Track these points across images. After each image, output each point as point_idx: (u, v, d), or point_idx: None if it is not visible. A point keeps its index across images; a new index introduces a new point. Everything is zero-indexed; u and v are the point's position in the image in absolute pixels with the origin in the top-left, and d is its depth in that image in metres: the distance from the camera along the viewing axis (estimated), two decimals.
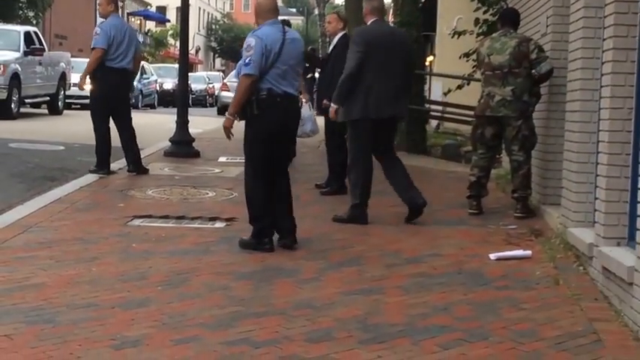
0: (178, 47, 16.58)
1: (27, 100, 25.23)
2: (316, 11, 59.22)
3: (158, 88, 42.48)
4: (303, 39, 8.58)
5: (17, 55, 24.27)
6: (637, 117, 6.45)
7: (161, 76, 44.16)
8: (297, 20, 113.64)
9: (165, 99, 42.28)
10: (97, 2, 12.91)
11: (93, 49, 12.34)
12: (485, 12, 17.50)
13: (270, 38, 8.05)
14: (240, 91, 8.01)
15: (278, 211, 8.20)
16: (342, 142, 11.49)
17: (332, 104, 9.58)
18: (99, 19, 12.56)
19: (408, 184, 9.62)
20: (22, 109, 24.45)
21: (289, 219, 8.24)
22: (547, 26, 10.10)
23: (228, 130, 8.10)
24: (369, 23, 9.69)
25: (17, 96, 23.83)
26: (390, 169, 9.67)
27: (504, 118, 9.78)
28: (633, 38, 6.75)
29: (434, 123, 23.36)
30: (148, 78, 41.02)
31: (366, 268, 7.59)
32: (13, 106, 23.69)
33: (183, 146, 15.17)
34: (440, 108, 21.60)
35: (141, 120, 15.74)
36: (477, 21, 17.28)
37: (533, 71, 9.75)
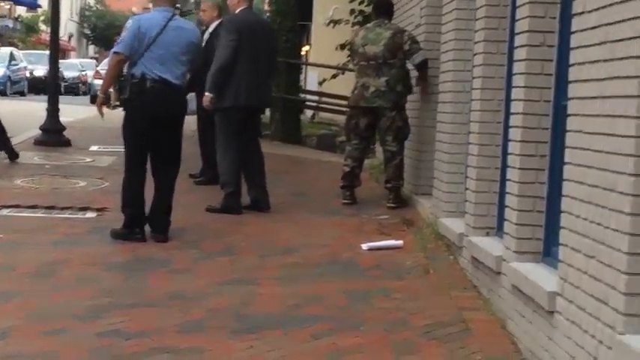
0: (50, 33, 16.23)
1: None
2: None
3: (28, 75, 41.54)
4: (197, 30, 8.54)
5: None
6: (507, 109, 6.56)
7: (32, 62, 43.17)
8: None
9: (36, 86, 41.36)
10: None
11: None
12: (360, 3, 17.60)
13: (147, 22, 8.04)
14: (109, 68, 8.13)
15: (153, 203, 8.10)
16: (214, 132, 11.45)
17: (207, 93, 9.51)
18: None
19: (259, 181, 9.64)
20: None
21: (164, 214, 8.12)
22: (421, 17, 10.21)
23: (99, 108, 8.06)
24: (238, 11, 9.68)
25: None
26: (250, 159, 9.65)
27: (378, 109, 9.85)
28: (504, 30, 6.85)
29: (309, 113, 23.41)
30: (17, 64, 40.11)
31: (240, 259, 7.57)
32: None
33: (53, 135, 14.87)
34: (315, 98, 21.66)
35: (9, 107, 15.41)
36: (352, 11, 17.38)
37: (407, 62, 9.86)
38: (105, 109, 8.07)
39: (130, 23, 8.11)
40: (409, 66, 9.95)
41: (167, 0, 8.22)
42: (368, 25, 10.42)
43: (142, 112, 7.92)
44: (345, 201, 10.08)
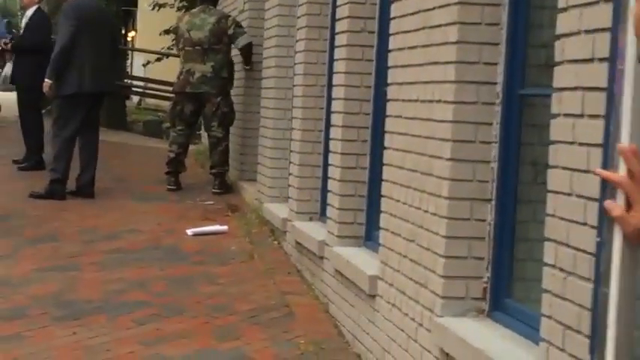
0: None
1: None
2: None
3: None
4: None
5: None
6: (329, 94, 6.62)
7: None
8: None
9: None
10: None
11: None
12: None
13: None
14: None
15: None
16: (37, 117, 11.24)
17: (46, 79, 9.32)
18: None
19: (91, 168, 9.51)
20: None
21: None
22: (244, 3, 10.21)
23: None
24: None
25: None
26: (85, 145, 9.50)
27: (204, 95, 9.81)
28: (326, 17, 6.92)
29: (136, 99, 23.16)
30: None
31: (62, 245, 7.45)
32: None
33: None
34: (142, 84, 21.44)
35: None
36: None
37: (232, 45, 9.88)
38: None
39: None
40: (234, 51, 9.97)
41: None
42: (193, 10, 10.37)
43: None
44: (170, 187, 10.02)
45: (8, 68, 12.33)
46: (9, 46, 11.62)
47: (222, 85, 9.82)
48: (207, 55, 9.77)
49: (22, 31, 11.57)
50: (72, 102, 9.34)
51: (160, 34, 17.60)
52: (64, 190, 9.32)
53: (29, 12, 11.36)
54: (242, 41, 9.78)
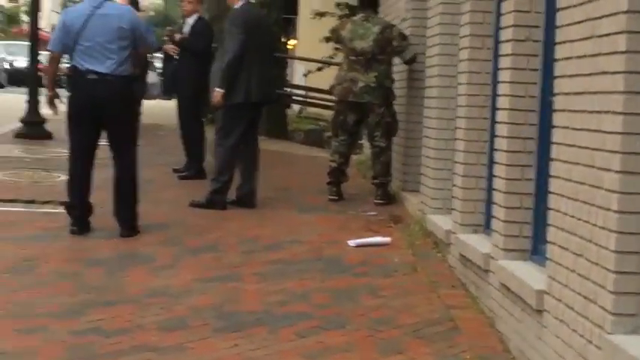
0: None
1: None
2: None
3: (8, 67, 41.20)
4: (135, 15, 8.21)
5: None
6: (493, 104, 6.48)
7: (13, 54, 42.87)
8: (157, 0, 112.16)
9: (16, 78, 41.05)
10: None
11: None
12: None
13: (71, 14, 7.95)
14: (47, 66, 8.10)
15: (114, 198, 7.99)
16: (198, 126, 11.37)
17: (217, 88, 9.26)
18: None
19: (253, 178, 9.52)
20: None
21: (125, 207, 7.95)
22: (406, 11, 10.12)
23: (49, 105, 8.08)
24: (238, 6, 9.48)
25: None
26: (246, 154, 9.52)
27: (367, 105, 9.73)
28: (489, 25, 6.77)
29: (297, 108, 23.33)
30: None
31: (223, 255, 7.47)
32: None
33: (34, 127, 14.73)
34: (302, 92, 21.56)
35: None
36: (338, 4, 17.35)
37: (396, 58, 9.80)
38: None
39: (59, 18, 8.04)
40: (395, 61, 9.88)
41: None
42: (354, 18, 10.25)
43: (75, 104, 7.84)
44: (332, 197, 9.98)
45: (152, 77, 12.52)
46: (173, 42, 11.68)
47: (386, 95, 9.73)
48: (370, 65, 9.68)
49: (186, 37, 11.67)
50: (237, 111, 9.33)
51: (320, 41, 17.66)
52: (225, 199, 9.36)
53: (191, 20, 11.50)
54: (408, 54, 9.68)
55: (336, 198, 9.97)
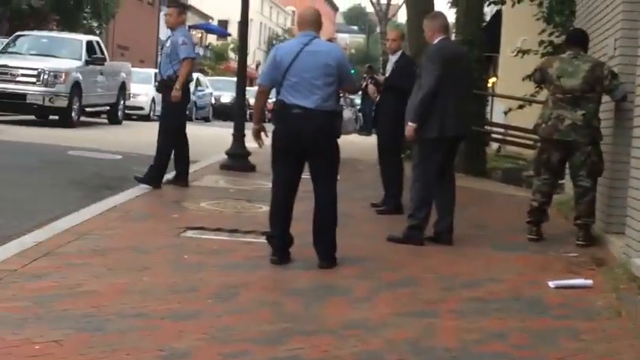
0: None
1: (87, 109, 25.44)
2: (378, 29, 59.18)
3: (214, 101, 42.49)
4: (341, 53, 8.31)
5: (79, 63, 24.48)
6: None
7: (219, 89, 44.19)
8: (358, 38, 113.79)
9: (221, 112, 42.29)
10: (167, 13, 12.72)
11: (185, 59, 12.21)
12: (550, 34, 17.34)
13: (283, 50, 8.06)
14: (254, 99, 8.26)
15: (314, 229, 8.08)
16: (397, 162, 11.40)
17: (410, 123, 9.29)
18: (165, 31, 12.47)
19: (449, 214, 9.45)
20: (82, 118, 24.62)
21: (325, 239, 8.03)
22: (615, 49, 9.89)
23: (255, 138, 8.21)
24: (437, 41, 9.46)
25: (78, 104, 24.02)
26: (443, 190, 9.47)
27: (573, 143, 9.54)
28: None
29: (494, 145, 23.12)
30: (203, 90, 41.06)
31: (420, 290, 7.43)
32: (73, 114, 23.88)
33: (239, 159, 15.12)
34: (501, 130, 21.36)
35: (194, 132, 15.67)
36: (541, 42, 17.14)
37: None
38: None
39: (269, 53, 8.19)
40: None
41: (307, 24, 8.14)
42: (562, 55, 10.04)
43: (279, 137, 7.97)
44: (531, 237, 9.80)
45: (348, 113, 12.62)
46: (371, 82, 11.85)
47: (593, 134, 9.52)
48: (578, 103, 9.50)
49: (388, 74, 11.75)
50: (432, 146, 9.31)
51: (523, 79, 17.47)
52: (422, 236, 9.33)
53: (394, 57, 11.59)
54: (619, 94, 9.46)
55: (536, 238, 9.80)
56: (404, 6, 25.60)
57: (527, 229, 9.87)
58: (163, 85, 12.30)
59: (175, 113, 12.34)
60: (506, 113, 19.30)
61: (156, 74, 41.01)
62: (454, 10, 20.85)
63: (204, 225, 9.53)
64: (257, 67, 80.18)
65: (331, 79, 7.94)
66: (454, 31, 20.02)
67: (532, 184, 10.39)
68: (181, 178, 12.59)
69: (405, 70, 11.24)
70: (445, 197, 9.48)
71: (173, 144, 12.34)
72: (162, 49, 12.46)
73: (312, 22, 8.14)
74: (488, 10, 23.62)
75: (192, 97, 38.44)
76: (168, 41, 12.35)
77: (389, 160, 11.53)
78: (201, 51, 71.23)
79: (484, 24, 19.61)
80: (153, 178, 12.11)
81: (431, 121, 9.21)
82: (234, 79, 16.62)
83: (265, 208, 10.35)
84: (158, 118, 13.14)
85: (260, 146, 8.29)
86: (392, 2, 64.27)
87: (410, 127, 9.27)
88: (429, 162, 9.34)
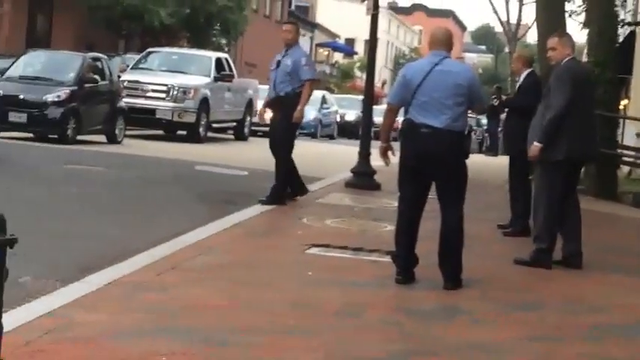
0: (364, 80, 16.69)
1: (214, 125, 25.85)
2: (506, 49, 58.80)
3: (339, 119, 42.69)
4: (472, 73, 8.22)
5: (207, 80, 24.89)
6: None
7: (344, 107, 44.40)
8: (486, 58, 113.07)
9: (346, 130, 42.47)
10: (285, 29, 12.81)
11: (307, 80, 12.32)
12: None
13: (412, 69, 8.06)
14: (383, 118, 8.24)
15: (440, 249, 8.03)
16: (526, 184, 11.27)
17: (536, 143, 9.10)
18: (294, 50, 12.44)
19: (576, 237, 9.25)
20: (209, 134, 25.02)
21: (451, 260, 7.97)
22: None
23: (382, 156, 8.21)
24: (565, 61, 9.31)
25: (205, 120, 24.44)
26: (568, 213, 9.28)
27: None
28: None
29: (625, 169, 22.67)
30: (329, 108, 41.28)
31: (545, 314, 7.32)
32: (201, 130, 24.29)
33: (364, 178, 15.16)
34: (632, 153, 20.93)
35: (323, 149, 15.85)
36: None
37: None
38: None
39: (399, 72, 8.20)
40: None
41: (437, 44, 8.09)
42: None
43: (407, 156, 7.94)
44: None
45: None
46: (497, 102, 11.80)
47: None
48: None
49: (515, 95, 11.67)
50: (557, 168, 9.11)
51: None
52: (550, 259, 9.17)
53: (522, 76, 11.50)
54: None
55: None
56: (533, 26, 25.21)
57: None
58: (278, 102, 12.30)
59: (291, 132, 12.45)
60: (638, 135, 18.89)
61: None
62: (586, 31, 20.53)
63: (329, 242, 9.56)
64: (382, 85, 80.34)
65: (461, 99, 7.89)
66: (586, 51, 19.72)
67: None
68: (298, 192, 12.67)
69: (529, 89, 11.10)
70: (571, 220, 9.30)
71: (290, 161, 12.44)
72: (277, 65, 12.32)
73: (444, 42, 8.12)
74: (622, 32, 23.17)
75: (318, 115, 38.80)
76: (288, 59, 12.33)
77: (517, 181, 11.40)
78: (327, 69, 71.80)
79: (617, 44, 19.22)
80: (276, 197, 12.22)
81: (558, 142, 9.01)
82: (360, 97, 16.74)
83: (390, 227, 10.34)
84: (267, 136, 13.12)
85: (387, 165, 8.28)
86: (522, 22, 63.70)
87: (535, 147, 9.09)
88: (554, 184, 9.17)
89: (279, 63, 12.33)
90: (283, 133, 12.40)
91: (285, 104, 12.23)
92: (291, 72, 12.23)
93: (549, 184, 9.20)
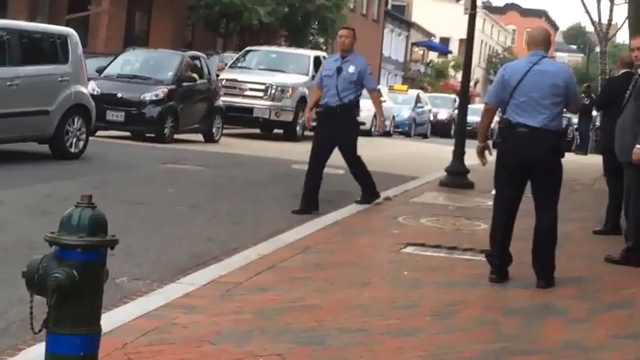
0: (458, 79, 16.79)
1: (311, 124, 26.02)
2: (597, 49, 57.99)
3: (432, 118, 42.59)
4: (569, 73, 8.26)
5: (306, 79, 25.01)
6: None
7: (437, 105, 44.31)
8: (576, 57, 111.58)
9: (439, 129, 42.36)
10: (342, 34, 12.71)
11: (374, 90, 12.56)
12: None
13: (510, 69, 8.10)
14: (480, 118, 8.37)
15: (533, 248, 8.10)
16: (619, 183, 11.21)
17: (638, 145, 9.02)
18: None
19: None
20: (305, 132, 25.24)
21: (544, 259, 8.04)
22: None
23: (478, 156, 8.27)
24: None
25: (303, 119, 24.64)
26: None
27: None
28: None
29: None
30: (422, 107, 41.17)
31: (639, 312, 7.35)
32: (298, 128, 24.47)
33: (458, 177, 15.25)
34: None
35: (417, 148, 15.95)
36: None
37: None
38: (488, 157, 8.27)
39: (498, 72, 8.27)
40: None
41: (536, 44, 8.13)
42: None
43: (505, 156, 8.02)
44: None
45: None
46: (588, 101, 11.85)
47: None
48: None
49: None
50: None
51: None
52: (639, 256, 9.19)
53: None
54: None
55: None
56: (624, 27, 24.90)
57: None
58: (344, 109, 12.01)
59: (356, 138, 12.35)
60: None
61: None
62: None
63: (424, 241, 9.69)
64: (475, 84, 79.85)
65: (559, 99, 7.96)
66: None
67: None
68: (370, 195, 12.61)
69: (620, 89, 11.03)
70: None
71: (362, 161, 12.40)
72: (338, 72, 12.01)
73: (542, 42, 8.17)
74: None
75: (412, 114, 38.82)
76: (350, 66, 12.11)
77: (609, 181, 11.36)
78: (422, 68, 71.67)
79: None
80: (369, 196, 12.38)
81: None
82: (452, 95, 16.81)
83: (484, 226, 10.46)
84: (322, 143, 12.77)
85: (484, 164, 8.38)
86: (612, 22, 62.68)
87: (637, 149, 8.99)
88: None
89: (340, 69, 12.07)
90: (352, 140, 12.26)
91: (349, 112, 12.08)
92: (356, 80, 12.04)
93: (638, 183, 9.21)
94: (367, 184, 12.43)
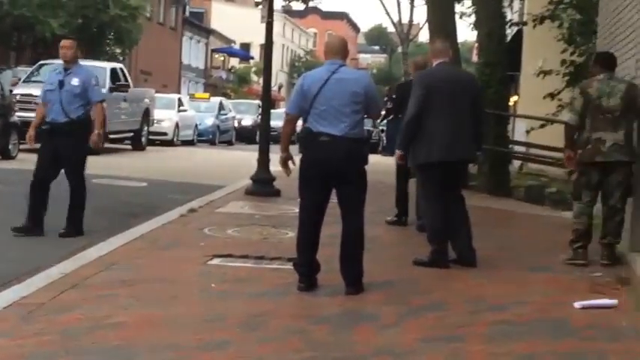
0: (262, 84, 16.74)
1: (111, 136, 25.59)
2: (399, 49, 59.41)
3: (236, 125, 42.61)
4: (369, 80, 8.31)
5: (103, 91, 24.54)
6: None
7: (241, 112, 44.35)
8: (380, 58, 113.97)
9: (244, 135, 42.40)
10: (64, 45, 11.27)
11: (100, 102, 11.54)
12: (572, 53, 17.43)
13: (310, 78, 8.11)
14: (282, 128, 8.32)
15: (341, 255, 8.12)
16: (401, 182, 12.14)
17: (397, 150, 9.53)
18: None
19: (463, 237, 9.45)
20: (105, 145, 24.75)
21: (352, 265, 8.07)
22: (637, 70, 9.91)
23: (282, 166, 8.25)
24: (433, 65, 9.62)
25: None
26: (452, 215, 9.44)
27: (614, 163, 9.51)
28: None
29: (517, 164, 23.15)
30: (226, 114, 41.16)
31: (448, 314, 7.45)
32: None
33: (263, 185, 15.19)
34: (523, 149, 21.41)
35: (221, 156, 15.83)
36: (563, 61, 17.23)
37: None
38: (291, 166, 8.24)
39: (297, 82, 8.28)
40: None
41: (333, 53, 8.20)
42: (599, 77, 9.78)
43: (308, 165, 8.00)
44: (581, 262, 9.65)
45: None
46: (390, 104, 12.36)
47: (633, 153, 9.53)
48: (619, 123, 9.51)
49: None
50: (423, 172, 9.47)
51: (544, 97, 17.56)
52: (446, 258, 9.35)
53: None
54: None
55: (584, 263, 9.66)
56: (425, 27, 25.55)
57: (574, 254, 9.71)
58: (72, 127, 11.06)
59: (85, 157, 11.37)
60: (528, 132, 19.34)
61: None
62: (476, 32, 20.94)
63: (231, 252, 9.59)
64: (279, 89, 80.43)
65: (359, 106, 8.00)
66: (476, 53, 20.03)
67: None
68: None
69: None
70: (454, 218, 9.45)
71: (85, 190, 11.38)
72: (60, 85, 11.04)
73: (339, 50, 8.21)
74: (510, 30, 23.68)
75: (216, 122, 38.67)
76: (73, 78, 11.15)
77: (401, 183, 12.42)
78: (223, 75, 71.60)
79: (505, 44, 19.63)
80: (74, 230, 11.16)
81: (418, 147, 9.32)
82: (256, 101, 16.77)
83: (291, 234, 10.43)
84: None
85: (288, 174, 8.34)
86: (413, 22, 64.39)
87: (397, 153, 9.56)
88: (426, 188, 9.54)
89: (62, 83, 11.12)
90: (80, 159, 11.33)
91: (78, 129, 11.15)
92: (80, 93, 11.12)
93: (422, 187, 9.62)
94: (79, 217, 11.27)
